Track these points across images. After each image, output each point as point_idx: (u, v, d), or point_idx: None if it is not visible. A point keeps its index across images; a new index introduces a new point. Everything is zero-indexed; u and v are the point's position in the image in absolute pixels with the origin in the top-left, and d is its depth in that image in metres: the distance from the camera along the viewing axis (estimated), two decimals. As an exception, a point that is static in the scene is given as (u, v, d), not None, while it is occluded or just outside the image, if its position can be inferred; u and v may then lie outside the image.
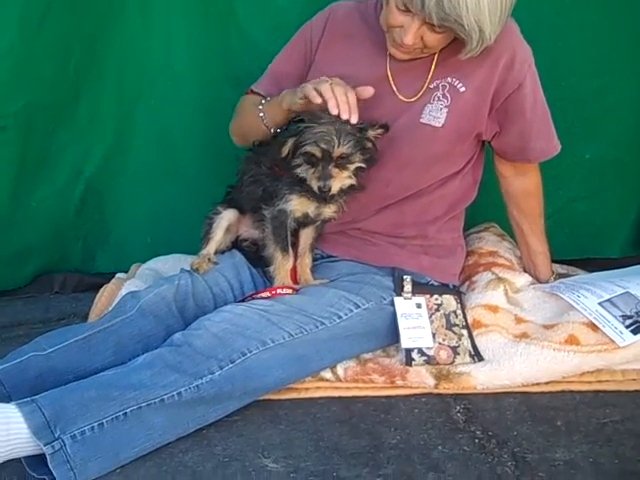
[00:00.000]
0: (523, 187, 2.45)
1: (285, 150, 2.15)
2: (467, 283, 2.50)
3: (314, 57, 2.40)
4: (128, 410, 1.84)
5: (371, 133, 2.17)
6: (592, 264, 2.83)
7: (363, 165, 2.18)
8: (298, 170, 2.16)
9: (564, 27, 2.69)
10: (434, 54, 2.23)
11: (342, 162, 2.13)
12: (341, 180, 2.15)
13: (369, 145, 2.17)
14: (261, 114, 2.29)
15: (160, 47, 2.73)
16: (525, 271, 2.55)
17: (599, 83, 2.77)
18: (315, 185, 2.14)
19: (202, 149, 2.89)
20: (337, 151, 2.10)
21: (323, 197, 2.19)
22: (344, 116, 2.05)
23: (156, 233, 2.96)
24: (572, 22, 2.69)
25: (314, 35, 2.41)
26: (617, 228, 3.00)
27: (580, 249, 2.95)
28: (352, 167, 2.16)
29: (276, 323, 2.08)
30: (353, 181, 2.19)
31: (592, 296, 2.27)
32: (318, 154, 2.11)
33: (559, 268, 2.67)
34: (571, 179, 2.88)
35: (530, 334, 2.24)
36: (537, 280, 2.53)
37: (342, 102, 2.04)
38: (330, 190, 2.13)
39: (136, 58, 2.73)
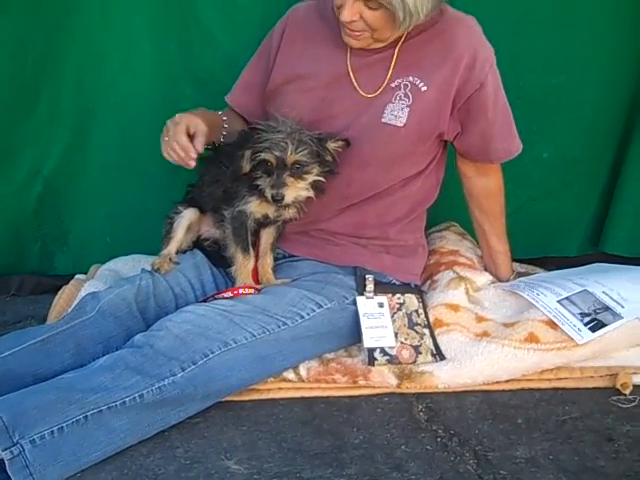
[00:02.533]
0: (485, 187, 2.47)
1: (244, 164, 2.16)
2: (428, 282, 2.51)
3: (274, 61, 2.40)
4: (89, 413, 1.82)
5: (331, 145, 2.18)
6: (550, 263, 2.87)
7: (322, 179, 2.19)
8: (258, 182, 2.16)
9: (523, 26, 2.71)
10: (393, 50, 2.23)
11: (297, 171, 2.13)
12: (296, 190, 2.15)
13: (329, 158, 2.18)
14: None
15: (120, 44, 2.69)
16: (486, 270, 2.57)
17: (557, 82, 2.79)
18: (269, 193, 2.13)
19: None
20: (291, 158, 2.10)
21: (277, 205, 2.18)
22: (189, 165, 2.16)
23: (115, 233, 2.92)
24: (531, 21, 2.71)
25: (274, 41, 2.42)
26: (575, 227, 3.02)
27: (538, 248, 2.97)
28: (309, 178, 2.16)
29: (238, 323, 2.07)
30: (310, 194, 2.19)
31: (551, 294, 2.30)
32: (272, 161, 2.11)
33: (519, 267, 2.70)
34: (530, 178, 2.90)
35: (491, 333, 2.26)
36: (497, 279, 2.55)
37: (175, 158, 2.17)
38: (283, 199, 2.13)
39: (96, 55, 2.69)
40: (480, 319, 2.33)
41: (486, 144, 2.34)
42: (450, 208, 2.71)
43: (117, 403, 1.86)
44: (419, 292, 2.39)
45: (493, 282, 2.51)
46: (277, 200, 2.13)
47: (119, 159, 2.84)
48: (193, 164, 2.16)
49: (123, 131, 2.80)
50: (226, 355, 2.01)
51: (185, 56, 2.74)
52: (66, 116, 2.76)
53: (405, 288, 2.37)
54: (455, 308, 2.34)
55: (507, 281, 2.54)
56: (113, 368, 1.92)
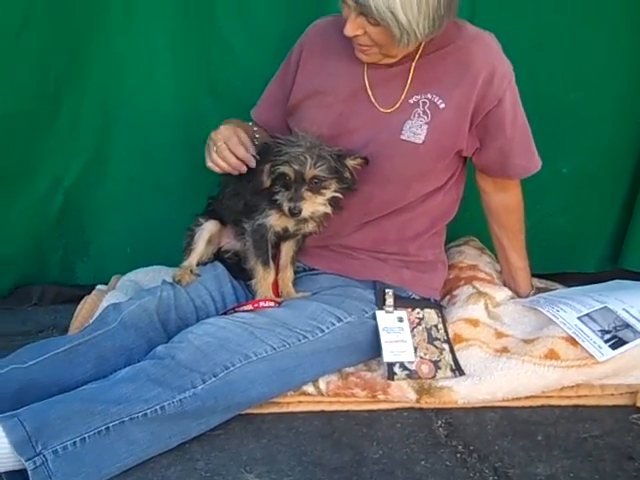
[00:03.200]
0: (504, 203, 2.47)
1: (264, 179, 2.16)
2: (448, 297, 2.52)
3: (294, 78, 2.42)
4: (111, 424, 1.83)
5: (350, 162, 2.19)
6: (569, 279, 2.86)
7: (339, 195, 2.20)
8: (277, 195, 2.17)
9: (542, 41, 2.72)
10: (410, 65, 2.23)
11: (315, 186, 2.14)
12: (313, 205, 2.16)
13: (347, 174, 2.19)
14: None
15: (141, 58, 2.71)
16: (505, 285, 2.57)
17: (576, 97, 2.79)
18: (286, 206, 2.14)
19: (182, 160, 2.85)
20: (309, 172, 2.11)
21: (295, 219, 2.19)
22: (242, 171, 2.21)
23: (136, 244, 2.94)
24: (550, 36, 2.72)
25: (294, 57, 2.44)
26: (593, 242, 3.02)
27: (556, 263, 2.97)
28: (327, 194, 2.17)
29: (259, 336, 2.08)
30: (328, 209, 2.20)
31: (571, 310, 2.30)
32: (291, 174, 2.12)
33: (538, 282, 2.69)
34: (548, 193, 2.89)
35: (510, 348, 2.26)
36: (517, 294, 2.55)
37: (233, 164, 2.20)
38: (300, 212, 2.13)
39: (117, 68, 2.71)
40: (500, 335, 2.33)
41: (505, 160, 2.34)
42: (469, 223, 2.71)
43: (139, 415, 1.87)
44: (439, 307, 2.39)
45: (512, 297, 2.51)
46: (294, 214, 2.14)
47: (140, 171, 2.85)
48: (245, 169, 2.20)
49: (143, 144, 2.82)
50: (247, 368, 2.02)
51: (205, 70, 2.76)
52: (87, 129, 2.77)
53: (425, 303, 2.37)
54: (475, 323, 2.34)
55: (526, 297, 2.53)
56: (135, 379, 1.94)
